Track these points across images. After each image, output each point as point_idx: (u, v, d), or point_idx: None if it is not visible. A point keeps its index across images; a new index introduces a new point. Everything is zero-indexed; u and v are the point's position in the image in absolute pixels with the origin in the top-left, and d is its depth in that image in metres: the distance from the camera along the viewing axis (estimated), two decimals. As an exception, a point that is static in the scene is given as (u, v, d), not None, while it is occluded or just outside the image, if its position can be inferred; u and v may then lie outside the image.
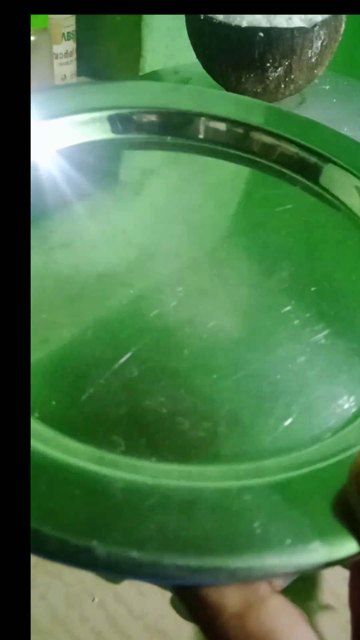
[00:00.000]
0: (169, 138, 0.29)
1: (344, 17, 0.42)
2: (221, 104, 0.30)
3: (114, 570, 0.14)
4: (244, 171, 0.29)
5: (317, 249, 0.25)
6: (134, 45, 0.68)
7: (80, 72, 0.70)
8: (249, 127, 0.29)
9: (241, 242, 0.25)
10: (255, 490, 0.15)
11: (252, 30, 0.39)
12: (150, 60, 0.69)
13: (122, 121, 0.29)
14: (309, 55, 0.40)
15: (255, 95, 0.43)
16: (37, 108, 0.28)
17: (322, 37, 0.40)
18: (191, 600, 0.14)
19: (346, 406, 0.19)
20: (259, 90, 0.43)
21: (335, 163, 0.28)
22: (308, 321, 0.22)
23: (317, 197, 0.27)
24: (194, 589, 0.14)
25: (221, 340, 0.21)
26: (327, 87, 0.50)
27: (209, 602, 0.14)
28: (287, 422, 0.18)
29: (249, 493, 0.15)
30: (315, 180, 0.28)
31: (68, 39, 0.65)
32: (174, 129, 0.29)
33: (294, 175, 0.28)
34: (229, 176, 0.29)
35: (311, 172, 0.28)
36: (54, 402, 0.18)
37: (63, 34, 0.65)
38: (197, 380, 0.19)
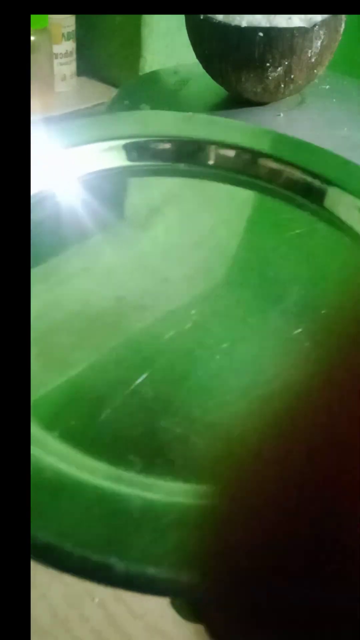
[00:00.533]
0: (182, 165, 0.30)
1: (343, 17, 0.42)
2: (230, 132, 0.31)
3: (131, 586, 0.14)
4: (253, 196, 0.30)
5: (326, 273, 0.26)
6: (133, 45, 0.68)
7: (80, 71, 0.70)
8: (256, 154, 0.30)
9: (252, 267, 0.26)
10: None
11: (252, 30, 0.39)
12: (150, 60, 0.69)
13: (137, 149, 0.30)
14: (309, 55, 0.40)
15: (255, 94, 0.43)
16: (57, 137, 0.29)
17: (322, 37, 0.40)
18: (208, 611, 0.15)
19: None
20: (258, 90, 0.43)
21: (338, 186, 0.28)
22: (318, 343, 0.22)
23: (324, 221, 0.28)
24: (210, 606, 0.14)
25: (234, 362, 0.21)
26: (327, 87, 0.50)
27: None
28: None
29: None
30: (320, 204, 0.28)
31: (68, 39, 0.66)
32: (186, 156, 0.30)
33: (299, 199, 0.29)
34: (239, 201, 0.30)
35: (316, 196, 0.29)
36: (73, 422, 0.19)
37: (63, 34, 0.65)
38: (210, 401, 0.20)
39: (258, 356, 0.22)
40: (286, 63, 0.40)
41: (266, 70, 0.40)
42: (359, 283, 0.26)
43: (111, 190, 0.29)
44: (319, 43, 0.40)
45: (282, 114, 0.45)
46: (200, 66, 0.45)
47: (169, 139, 0.31)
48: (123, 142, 0.30)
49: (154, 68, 0.64)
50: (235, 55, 0.40)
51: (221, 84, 0.45)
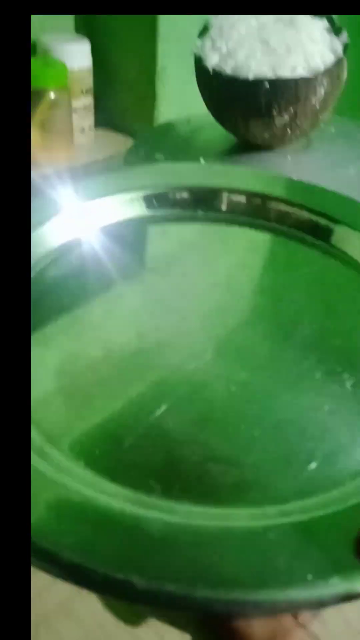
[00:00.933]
0: (199, 212, 0.33)
1: (345, 65, 0.44)
2: (241, 179, 0.33)
3: (151, 601, 0.15)
4: (266, 238, 0.32)
5: (336, 307, 0.28)
6: (148, 98, 0.71)
7: (98, 124, 0.74)
8: (266, 198, 0.32)
9: (266, 304, 0.28)
10: (279, 530, 0.17)
11: (258, 82, 0.41)
12: (164, 111, 0.72)
13: (156, 199, 0.32)
14: (313, 103, 0.43)
15: (263, 140, 0.46)
16: (82, 191, 0.31)
17: (325, 85, 0.42)
18: (220, 630, 0.15)
19: (357, 456, 0.20)
20: (266, 137, 0.45)
21: (344, 224, 0.30)
22: (330, 373, 0.23)
23: (334, 258, 0.30)
24: (224, 619, 0.15)
25: (249, 393, 0.23)
26: (333, 130, 0.52)
27: (239, 632, 0.15)
28: (310, 468, 0.20)
29: (273, 532, 0.17)
30: (328, 241, 0.30)
31: (86, 94, 0.69)
32: (201, 203, 0.33)
33: (310, 238, 0.31)
34: (253, 243, 0.32)
35: (323, 234, 0.30)
36: (97, 451, 0.20)
37: (82, 90, 0.69)
38: (226, 430, 0.21)
39: (271, 387, 0.23)
40: (292, 111, 0.42)
41: (273, 118, 0.43)
42: None
43: (132, 238, 0.31)
44: (322, 91, 0.42)
45: (290, 157, 0.47)
46: (210, 116, 0.47)
47: (185, 188, 0.33)
48: (142, 193, 0.32)
49: (168, 118, 0.67)
50: (244, 105, 0.43)
51: (231, 131, 0.47)
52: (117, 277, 0.28)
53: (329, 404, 0.22)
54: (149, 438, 0.21)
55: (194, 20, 0.67)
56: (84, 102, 0.69)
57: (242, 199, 0.32)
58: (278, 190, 0.32)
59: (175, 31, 0.67)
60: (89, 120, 0.71)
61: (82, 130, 0.70)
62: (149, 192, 0.32)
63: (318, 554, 0.16)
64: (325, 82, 0.42)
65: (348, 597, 0.15)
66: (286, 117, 0.43)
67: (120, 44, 0.71)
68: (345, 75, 0.45)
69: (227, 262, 0.30)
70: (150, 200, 0.32)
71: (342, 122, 0.54)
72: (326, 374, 0.23)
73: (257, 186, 0.33)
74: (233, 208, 0.32)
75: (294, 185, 0.33)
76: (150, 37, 0.66)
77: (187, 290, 0.28)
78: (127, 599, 0.16)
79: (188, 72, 0.71)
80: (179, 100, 0.72)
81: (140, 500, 0.18)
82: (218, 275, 0.29)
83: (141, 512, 0.17)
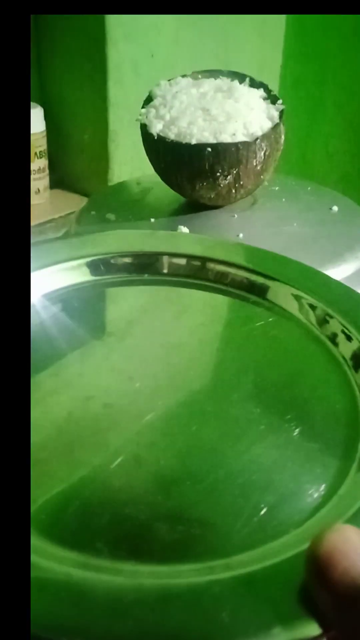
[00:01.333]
0: (145, 275, 0.34)
1: (282, 129, 0.47)
2: (184, 244, 0.35)
3: None
4: (210, 296, 0.33)
5: (278, 360, 0.29)
6: (101, 159, 0.74)
7: (53, 185, 0.76)
8: (206, 260, 0.34)
9: (211, 359, 0.29)
10: (223, 584, 0.17)
11: (201, 146, 0.43)
12: (118, 172, 0.74)
13: (102, 265, 0.34)
14: (254, 164, 0.45)
15: (209, 199, 0.48)
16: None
17: (264, 148, 0.45)
18: None
19: (311, 499, 0.21)
20: (212, 196, 0.47)
21: (278, 280, 0.32)
22: (274, 424, 0.24)
23: (276, 314, 0.31)
24: None
25: (195, 448, 0.23)
26: (277, 188, 0.54)
27: None
28: (255, 519, 0.20)
29: (217, 586, 0.17)
30: (264, 297, 0.32)
31: (40, 157, 0.71)
32: (146, 267, 0.34)
33: (249, 295, 0.32)
34: (197, 302, 0.33)
35: (260, 291, 0.32)
36: (43, 516, 0.20)
37: (36, 153, 0.71)
38: (172, 487, 0.21)
39: (217, 441, 0.24)
40: (234, 172, 0.45)
41: (217, 179, 0.45)
42: (307, 367, 0.28)
43: (78, 304, 0.32)
44: (262, 153, 0.45)
45: (236, 215, 0.49)
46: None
47: (129, 254, 0.34)
48: (87, 259, 0.33)
49: (122, 178, 0.70)
50: (188, 168, 0.45)
51: (178, 192, 0.49)
52: (63, 341, 0.29)
53: (273, 454, 0.23)
54: (95, 499, 0.21)
55: (142, 88, 0.70)
56: (38, 165, 0.71)
57: (182, 261, 0.34)
58: (217, 253, 0.34)
59: (124, 98, 0.70)
60: (44, 181, 0.73)
61: (37, 191, 0.72)
62: (93, 258, 0.33)
63: (261, 605, 0.16)
64: (264, 145, 0.45)
65: None
66: (230, 178, 0.45)
67: (72, 109, 0.74)
68: (283, 138, 0.47)
69: (172, 321, 0.31)
70: (96, 266, 0.33)
71: (285, 180, 0.56)
72: (270, 425, 0.24)
73: (199, 250, 0.34)
74: (176, 270, 0.34)
75: (232, 247, 0.35)
76: (101, 104, 0.69)
77: (133, 350, 0.29)
78: None
79: (138, 135, 0.74)
80: (132, 160, 0.74)
81: (87, 563, 0.18)
82: (164, 333, 0.30)
83: (87, 575, 0.17)
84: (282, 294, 0.31)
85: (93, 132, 0.73)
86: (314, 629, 0.16)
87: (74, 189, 0.77)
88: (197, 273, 0.34)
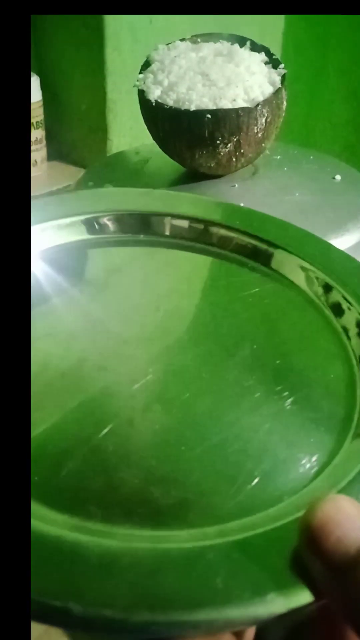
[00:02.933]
0: (140, 236, 0.33)
1: (284, 95, 0.45)
2: (184, 205, 0.34)
3: (89, 627, 0.15)
4: (207, 262, 0.32)
5: (276, 328, 0.28)
6: (99, 130, 0.72)
7: (51, 156, 0.74)
8: (208, 223, 0.33)
9: (206, 325, 0.28)
10: (217, 550, 0.17)
11: (200, 112, 0.42)
12: (117, 142, 0.73)
13: (97, 223, 0.32)
14: (255, 131, 0.44)
15: (209, 169, 0.47)
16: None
17: (266, 115, 0.44)
18: None
19: (305, 469, 0.21)
20: (212, 165, 0.46)
21: (282, 248, 0.31)
22: (269, 393, 0.24)
23: (274, 281, 0.30)
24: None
25: (189, 414, 0.23)
26: (278, 157, 0.53)
27: None
28: (249, 487, 0.20)
29: (211, 552, 0.17)
30: (268, 265, 0.31)
31: (37, 128, 0.70)
32: (143, 228, 0.33)
33: (249, 261, 0.31)
34: (195, 267, 0.32)
35: (263, 258, 0.31)
36: (36, 478, 0.20)
37: (32, 124, 0.69)
38: (167, 452, 0.21)
39: (212, 408, 0.23)
40: (235, 140, 0.44)
41: (217, 147, 0.44)
42: (306, 336, 0.27)
43: (74, 262, 0.31)
44: (263, 120, 0.44)
45: (237, 185, 0.48)
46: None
47: (127, 213, 0.33)
48: (83, 217, 0.32)
49: (121, 149, 0.68)
50: (187, 136, 0.44)
51: (177, 161, 0.48)
52: (58, 301, 0.28)
53: (268, 422, 0.22)
54: (89, 463, 0.20)
55: (141, 55, 0.68)
56: (35, 136, 0.70)
57: (184, 223, 0.33)
58: (220, 216, 0.33)
59: (122, 66, 0.68)
60: (41, 153, 0.72)
61: (35, 163, 0.71)
62: (89, 216, 0.32)
63: (256, 571, 0.16)
64: (265, 111, 0.43)
65: (286, 613, 0.15)
66: (230, 146, 0.44)
67: (69, 78, 0.72)
68: (285, 104, 0.46)
69: (170, 285, 0.31)
70: (92, 225, 0.32)
71: (287, 149, 0.55)
72: (266, 394, 0.24)
73: (199, 212, 0.33)
74: (175, 232, 0.33)
75: (235, 211, 0.34)
76: (99, 72, 0.68)
77: (129, 313, 0.28)
78: (65, 626, 0.16)
79: (137, 104, 0.72)
80: (130, 131, 0.73)
81: (79, 525, 0.18)
82: (160, 297, 0.30)
83: (80, 537, 0.17)
84: (285, 262, 0.30)
85: (90, 101, 0.71)
86: (307, 597, 0.15)
87: (72, 160, 0.76)
88: (198, 236, 0.33)
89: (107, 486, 0.20)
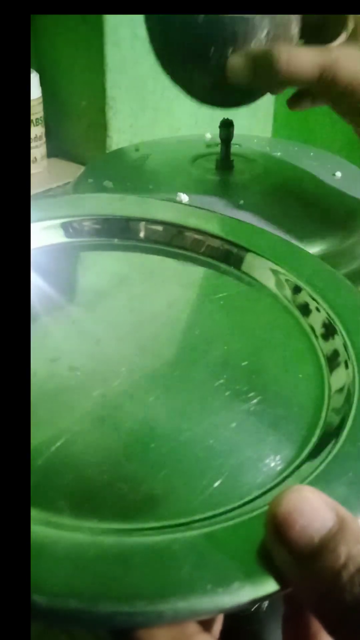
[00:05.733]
0: (115, 240, 0.33)
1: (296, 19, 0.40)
2: (158, 210, 0.34)
3: (54, 619, 0.15)
4: (180, 264, 0.33)
5: (246, 329, 0.29)
6: (99, 127, 0.72)
7: (50, 153, 0.74)
8: (181, 227, 0.33)
9: (179, 327, 0.29)
10: (183, 542, 0.17)
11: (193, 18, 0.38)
12: (117, 139, 0.73)
13: (73, 228, 0.33)
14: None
15: (208, 95, 0.44)
16: None
17: (267, 28, 0.38)
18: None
19: (273, 465, 0.21)
20: (207, 84, 0.42)
21: (253, 252, 0.32)
22: (238, 392, 0.24)
23: (245, 284, 0.31)
24: (128, 630, 0.16)
25: (158, 413, 0.23)
26: (279, 153, 0.53)
27: None
28: (217, 482, 0.20)
29: (177, 544, 0.17)
30: (239, 268, 0.32)
31: (37, 125, 0.70)
32: (117, 232, 0.33)
33: (220, 264, 0.32)
34: (168, 270, 0.33)
35: (235, 261, 0.32)
36: None
37: (32, 121, 0.69)
38: (136, 449, 0.22)
39: (181, 407, 0.24)
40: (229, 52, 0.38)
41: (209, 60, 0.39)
42: (275, 337, 0.28)
43: (49, 264, 0.31)
44: (263, 34, 0.38)
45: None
46: (159, 143, 0.48)
47: (103, 218, 0.34)
48: (60, 221, 0.33)
49: (120, 146, 0.68)
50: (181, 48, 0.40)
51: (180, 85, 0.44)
52: (34, 300, 0.28)
53: (236, 421, 0.23)
54: (59, 459, 0.21)
55: (141, 51, 0.68)
56: (35, 132, 0.70)
57: (158, 228, 0.33)
58: (193, 221, 0.33)
59: (122, 62, 0.68)
60: (40, 150, 0.71)
61: (34, 160, 0.71)
62: (66, 220, 0.33)
63: (221, 562, 0.16)
64: (266, 24, 0.38)
65: (251, 603, 0.16)
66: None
67: (69, 75, 0.72)
68: (296, 31, 0.40)
69: (143, 287, 0.31)
70: (67, 229, 0.33)
71: (287, 145, 0.55)
72: (234, 393, 0.24)
73: (173, 216, 0.34)
74: (150, 236, 0.33)
75: (208, 216, 0.34)
76: (98, 68, 0.67)
77: (102, 315, 0.29)
78: (32, 618, 0.16)
79: (137, 101, 0.72)
80: (130, 128, 0.73)
81: (47, 520, 0.18)
82: (132, 299, 0.30)
83: (46, 531, 0.17)
84: (255, 265, 0.31)
85: (90, 98, 0.71)
86: (272, 586, 0.16)
87: (72, 157, 0.75)
88: (170, 240, 0.33)
89: (76, 482, 0.20)
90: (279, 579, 0.16)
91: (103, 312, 0.29)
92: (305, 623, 0.19)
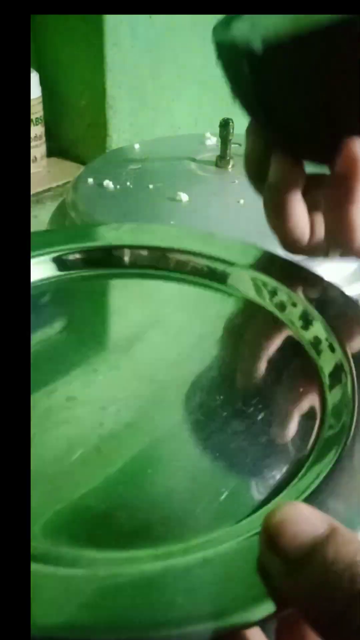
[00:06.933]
0: (102, 270, 0.33)
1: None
2: (143, 235, 0.34)
3: None
4: (168, 286, 0.33)
5: (241, 346, 0.29)
6: (99, 126, 0.72)
7: (50, 153, 0.74)
8: (165, 250, 0.33)
9: (173, 348, 0.28)
10: (178, 569, 0.17)
11: None
12: (117, 139, 0.73)
13: (67, 261, 0.33)
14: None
15: None
16: None
17: None
18: None
19: (270, 483, 0.21)
20: None
21: (238, 266, 0.32)
22: (236, 411, 0.24)
23: (236, 300, 0.31)
24: None
25: (156, 438, 0.23)
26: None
27: None
28: (215, 504, 0.20)
29: (172, 571, 0.17)
30: (224, 283, 0.32)
31: (36, 124, 0.70)
32: (102, 261, 0.33)
33: (207, 282, 0.32)
34: (157, 292, 0.33)
35: (220, 277, 0.32)
36: None
37: (32, 120, 0.69)
38: (133, 476, 0.21)
39: (178, 431, 0.24)
40: None
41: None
42: (269, 349, 0.28)
43: (43, 299, 0.31)
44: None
45: (236, 181, 0.48)
46: (159, 142, 0.48)
47: (89, 249, 0.33)
48: (53, 255, 0.33)
49: (120, 145, 0.68)
50: None
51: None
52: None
53: (235, 441, 0.23)
54: (56, 489, 0.21)
55: (140, 51, 0.68)
56: (35, 132, 0.70)
57: (144, 252, 0.33)
58: (177, 242, 0.33)
59: (122, 62, 0.68)
60: (40, 149, 0.71)
61: (34, 159, 0.71)
62: (58, 254, 0.33)
63: (216, 588, 0.16)
64: None
65: (243, 626, 0.16)
66: None
67: (69, 74, 0.72)
68: None
69: (133, 312, 0.31)
70: (60, 262, 0.33)
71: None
72: (232, 412, 0.24)
73: (156, 241, 0.34)
74: (135, 262, 0.33)
75: (189, 235, 0.34)
76: (98, 67, 0.67)
77: (94, 342, 0.29)
78: None
79: (137, 101, 0.72)
80: (130, 127, 0.73)
81: (46, 552, 0.18)
82: (125, 326, 0.30)
83: (40, 567, 0.17)
84: (242, 280, 0.31)
85: (90, 97, 0.71)
86: (267, 610, 0.16)
87: (72, 157, 0.75)
88: (156, 262, 0.33)
89: (74, 512, 0.20)
90: (274, 595, 0.16)
91: (97, 342, 0.29)
92: (299, 636, 0.19)
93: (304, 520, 0.16)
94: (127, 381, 0.26)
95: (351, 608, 0.14)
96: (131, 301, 0.32)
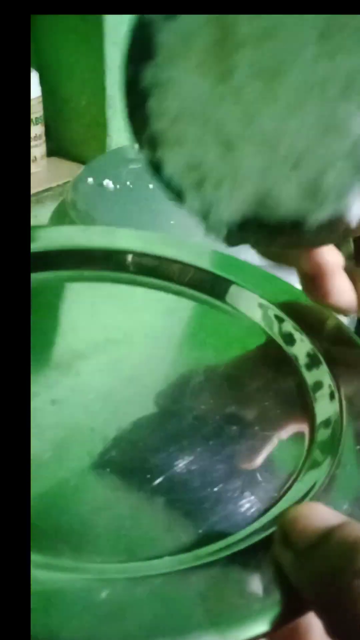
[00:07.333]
0: (86, 272, 0.32)
1: None
2: (129, 240, 0.33)
3: None
4: (159, 295, 0.32)
5: (231, 360, 0.28)
6: (99, 126, 0.72)
7: (50, 152, 0.74)
8: (155, 258, 0.32)
9: (163, 358, 0.28)
10: (178, 579, 0.17)
11: None
12: (116, 138, 0.73)
13: (42, 260, 0.32)
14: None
15: None
16: None
17: None
18: None
19: (277, 484, 0.21)
20: None
21: (237, 284, 0.31)
22: (231, 417, 0.24)
23: (227, 314, 0.30)
24: None
25: (151, 445, 0.23)
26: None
27: None
28: (217, 510, 0.20)
29: (171, 582, 0.17)
30: (223, 299, 0.31)
31: (36, 124, 0.70)
32: (87, 263, 0.32)
33: (204, 296, 0.31)
34: (146, 300, 0.32)
35: (218, 292, 0.31)
36: None
37: (32, 120, 0.69)
38: (133, 482, 0.21)
39: (175, 438, 0.23)
40: None
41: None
42: (261, 364, 0.28)
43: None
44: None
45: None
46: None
47: (68, 250, 0.32)
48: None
49: (120, 145, 0.68)
50: None
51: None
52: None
53: (236, 451, 0.23)
54: (56, 500, 0.20)
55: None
56: (35, 132, 0.70)
57: (130, 258, 0.33)
58: (170, 250, 0.33)
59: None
60: (40, 149, 0.71)
61: (34, 159, 0.71)
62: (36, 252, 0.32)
63: (213, 603, 0.16)
64: None
65: None
66: None
67: (69, 73, 0.72)
68: None
69: (122, 319, 0.30)
70: (39, 261, 0.32)
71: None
72: (226, 420, 0.24)
73: (144, 246, 0.33)
74: (119, 267, 0.32)
75: (190, 247, 0.34)
76: (98, 67, 0.68)
77: (83, 350, 0.28)
78: None
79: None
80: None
81: (49, 563, 0.18)
82: (113, 332, 0.29)
83: (46, 576, 0.17)
84: (236, 295, 0.31)
85: (90, 97, 0.71)
86: (262, 628, 0.16)
87: (72, 156, 0.75)
88: (146, 270, 0.32)
89: (75, 523, 0.20)
90: (284, 594, 0.16)
91: (85, 349, 0.28)
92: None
93: (317, 513, 0.17)
94: (118, 385, 0.26)
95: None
96: (114, 306, 0.32)
